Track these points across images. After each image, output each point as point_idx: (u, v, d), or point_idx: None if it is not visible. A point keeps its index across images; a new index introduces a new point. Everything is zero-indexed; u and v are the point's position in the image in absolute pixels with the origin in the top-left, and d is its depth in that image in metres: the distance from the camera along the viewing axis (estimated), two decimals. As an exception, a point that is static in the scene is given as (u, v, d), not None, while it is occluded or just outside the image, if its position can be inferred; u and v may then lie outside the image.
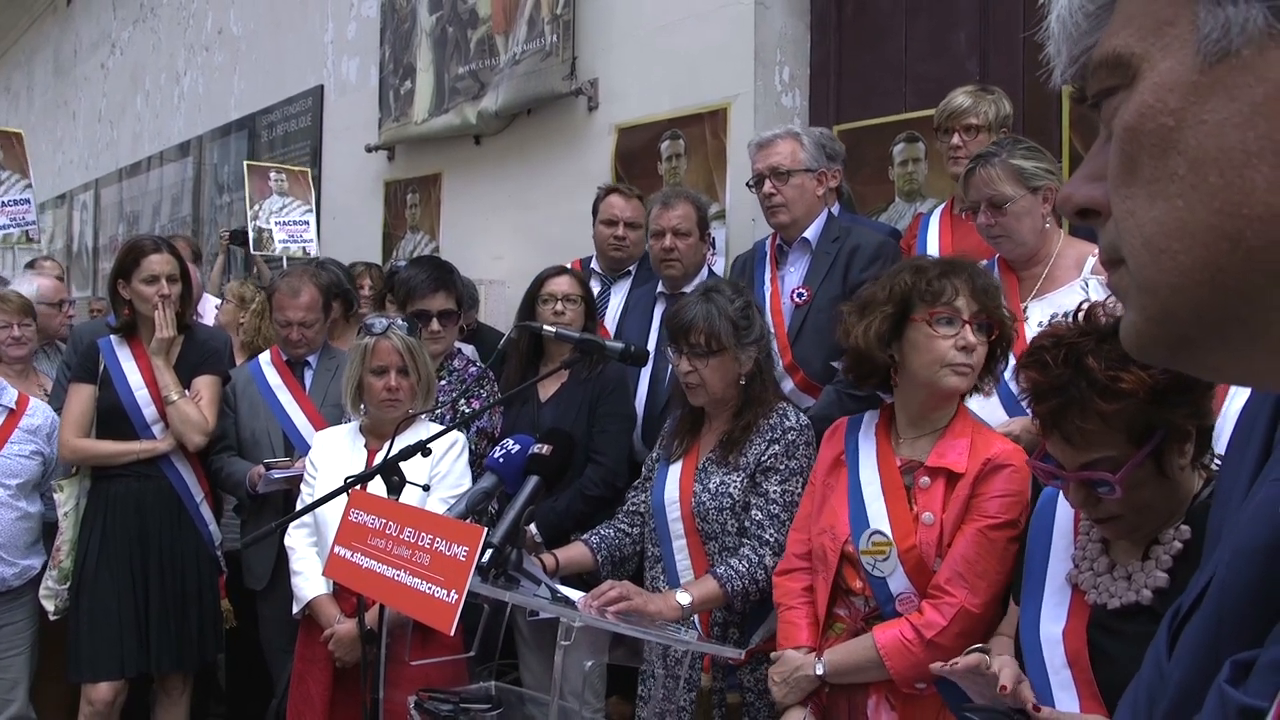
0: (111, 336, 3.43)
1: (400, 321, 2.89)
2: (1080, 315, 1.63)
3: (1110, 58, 0.54)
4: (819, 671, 2.04)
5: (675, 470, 2.52)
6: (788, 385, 2.93)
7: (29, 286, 4.27)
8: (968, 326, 2.01)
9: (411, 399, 2.81)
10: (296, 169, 6.03)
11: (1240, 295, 0.51)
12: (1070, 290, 2.42)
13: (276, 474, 3.25)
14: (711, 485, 2.43)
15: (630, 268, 3.77)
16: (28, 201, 5.41)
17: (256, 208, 5.63)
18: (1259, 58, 0.49)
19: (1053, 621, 1.68)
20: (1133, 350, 0.57)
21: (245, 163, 6.07)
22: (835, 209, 3.23)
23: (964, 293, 2.01)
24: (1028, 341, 1.81)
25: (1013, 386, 2.12)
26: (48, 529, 3.45)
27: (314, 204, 5.78)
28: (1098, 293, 2.32)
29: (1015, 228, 2.51)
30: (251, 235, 5.64)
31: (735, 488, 2.40)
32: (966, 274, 2.04)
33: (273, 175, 5.77)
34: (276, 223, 5.56)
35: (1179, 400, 1.51)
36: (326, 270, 3.99)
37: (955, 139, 2.97)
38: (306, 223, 5.66)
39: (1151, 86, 0.52)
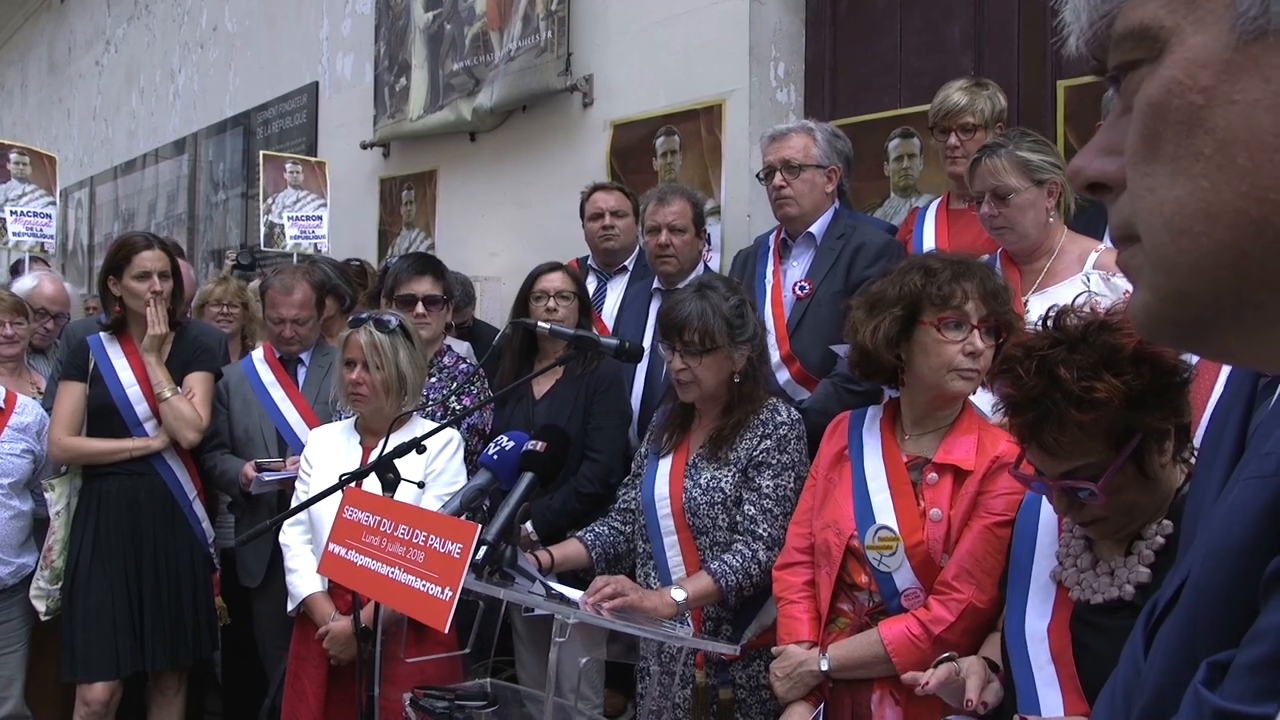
0: (101, 334, 3.41)
1: (393, 320, 2.83)
2: (1050, 322, 1.61)
3: (1137, 29, 0.53)
4: (823, 667, 2.04)
5: (665, 466, 2.51)
6: (784, 376, 2.92)
7: (29, 284, 4.25)
8: (976, 331, 2.00)
9: (376, 395, 2.76)
10: (313, 160, 5.85)
11: (1261, 280, 0.50)
12: (1072, 285, 2.42)
13: (268, 476, 3.24)
14: (702, 481, 2.42)
15: (626, 263, 3.76)
16: (49, 217, 5.41)
17: (270, 201, 5.47)
18: None
19: (1038, 618, 1.68)
20: (1142, 329, 0.56)
21: (261, 153, 5.86)
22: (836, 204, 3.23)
23: (974, 296, 2.00)
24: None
25: None
26: (38, 526, 3.43)
27: (328, 197, 5.60)
28: (1100, 288, 2.32)
29: (1018, 220, 2.52)
30: (263, 230, 5.54)
31: (727, 483, 2.40)
32: (977, 277, 2.03)
33: (288, 167, 5.58)
34: (289, 217, 5.40)
35: (1155, 403, 1.50)
36: (319, 267, 3.99)
37: (952, 139, 2.93)
38: (319, 218, 5.51)
39: (1181, 62, 0.50)
